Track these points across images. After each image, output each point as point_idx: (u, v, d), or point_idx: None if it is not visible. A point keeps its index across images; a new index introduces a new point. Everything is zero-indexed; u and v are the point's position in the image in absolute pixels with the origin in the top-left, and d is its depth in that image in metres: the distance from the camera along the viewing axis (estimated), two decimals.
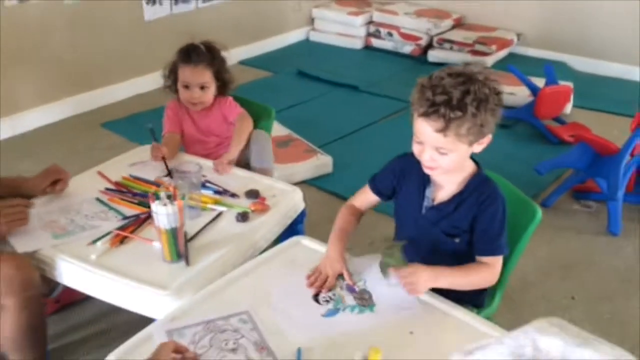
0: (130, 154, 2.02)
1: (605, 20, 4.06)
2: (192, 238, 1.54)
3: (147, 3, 3.72)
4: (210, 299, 1.31)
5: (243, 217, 1.64)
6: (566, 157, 2.66)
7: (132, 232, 1.56)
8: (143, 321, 1.30)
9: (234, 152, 1.97)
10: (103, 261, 1.46)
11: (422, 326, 1.25)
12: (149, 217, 1.60)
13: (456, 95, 1.20)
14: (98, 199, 1.72)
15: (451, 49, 4.33)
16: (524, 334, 0.63)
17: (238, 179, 1.85)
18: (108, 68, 3.62)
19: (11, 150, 3.08)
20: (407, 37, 4.50)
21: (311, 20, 4.90)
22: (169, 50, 2.11)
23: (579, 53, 4.21)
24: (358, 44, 4.70)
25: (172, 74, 2.09)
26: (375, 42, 4.66)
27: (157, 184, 1.77)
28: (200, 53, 2.03)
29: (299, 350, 1.17)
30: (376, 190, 1.50)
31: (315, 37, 4.87)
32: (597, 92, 3.87)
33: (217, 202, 1.70)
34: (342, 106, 3.69)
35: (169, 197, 1.41)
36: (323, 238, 1.48)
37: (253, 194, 1.75)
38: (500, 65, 4.10)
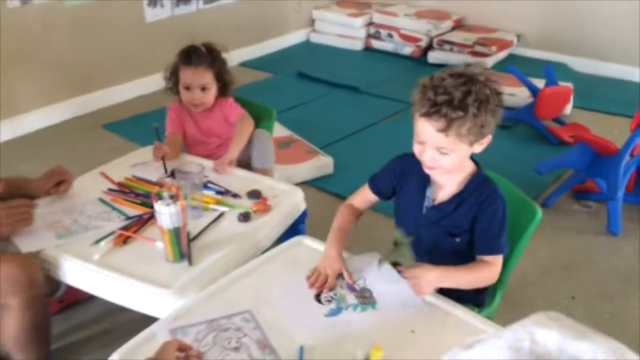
0: (132, 155, 2.03)
1: (604, 21, 4.07)
2: (195, 238, 1.55)
3: (148, 5, 3.73)
4: (213, 298, 1.32)
5: (245, 217, 1.65)
6: (566, 157, 2.67)
7: (135, 232, 1.57)
8: (146, 320, 1.30)
9: (234, 152, 1.98)
10: (106, 261, 1.47)
11: (423, 325, 1.26)
12: (151, 217, 1.61)
13: (457, 96, 1.22)
14: (101, 200, 1.73)
15: (451, 50, 4.34)
16: (522, 328, 0.64)
17: (240, 180, 1.86)
18: (109, 69, 3.64)
19: (13, 151, 3.09)
20: (407, 38, 4.51)
21: (311, 22, 4.91)
22: (170, 52, 2.12)
23: (579, 54, 4.22)
24: (358, 46, 4.71)
25: (173, 76, 2.10)
26: (376, 44, 4.68)
27: (159, 185, 1.78)
28: (201, 55, 2.04)
29: (301, 349, 1.18)
30: (376, 190, 1.51)
31: (315, 38, 4.88)
32: (596, 92, 3.88)
33: (219, 203, 1.72)
34: (342, 107, 3.70)
35: (171, 197, 1.42)
36: (324, 238, 1.49)
37: (255, 195, 1.76)
38: (500, 66, 4.12)
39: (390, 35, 4.60)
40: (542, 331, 0.60)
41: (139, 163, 1.94)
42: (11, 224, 1.50)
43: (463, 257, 1.39)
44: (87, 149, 3.10)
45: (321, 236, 1.54)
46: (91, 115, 3.52)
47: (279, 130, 2.93)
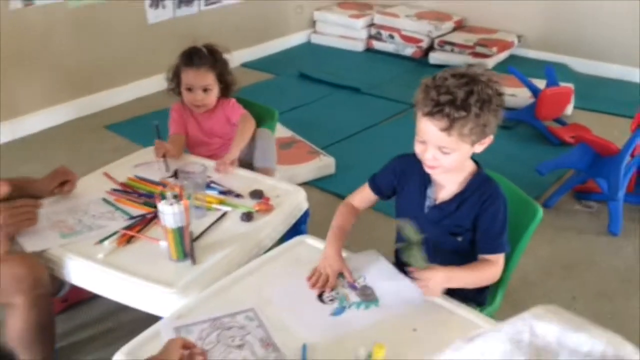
0: (135, 155, 2.04)
1: (605, 22, 4.08)
2: (198, 237, 1.56)
3: (150, 6, 3.75)
4: (216, 297, 1.33)
5: (248, 216, 1.66)
6: (567, 157, 2.68)
7: (138, 231, 1.59)
8: (149, 320, 1.31)
9: (235, 152, 1.99)
10: (110, 260, 1.48)
11: (426, 323, 1.27)
12: (154, 217, 1.62)
13: (460, 96, 1.23)
14: (105, 200, 1.75)
15: (452, 51, 4.35)
16: (521, 321, 0.65)
17: (242, 180, 1.87)
18: (111, 71, 3.65)
19: (16, 152, 3.11)
20: (408, 39, 4.52)
21: (313, 23, 4.93)
22: (172, 53, 2.13)
23: (580, 55, 4.23)
24: (359, 47, 4.72)
25: (175, 77, 2.11)
26: (377, 45, 4.69)
27: (162, 185, 1.79)
28: (203, 56, 2.05)
29: (304, 347, 1.19)
30: (376, 190, 1.52)
31: (316, 39, 4.89)
32: (597, 93, 3.89)
33: (222, 202, 1.73)
34: (344, 108, 3.71)
35: (175, 197, 1.43)
36: (326, 238, 1.50)
37: (257, 194, 1.77)
38: (501, 67, 4.13)
39: (391, 36, 4.61)
40: (541, 324, 0.62)
41: (142, 163, 1.95)
42: (16, 224, 1.50)
43: (465, 256, 1.40)
44: (90, 150, 3.11)
45: (323, 236, 1.54)
46: (93, 116, 3.54)
47: (281, 131, 2.94)
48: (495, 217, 1.36)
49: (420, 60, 4.44)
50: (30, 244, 1.52)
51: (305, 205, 1.83)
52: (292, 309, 1.30)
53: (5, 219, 1.43)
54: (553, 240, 2.44)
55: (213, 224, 1.63)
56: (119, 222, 1.63)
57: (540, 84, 3.37)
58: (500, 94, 1.29)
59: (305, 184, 2.69)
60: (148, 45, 3.74)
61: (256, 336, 1.22)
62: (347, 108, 3.71)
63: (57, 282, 1.75)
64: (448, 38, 4.41)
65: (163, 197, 1.43)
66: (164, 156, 1.91)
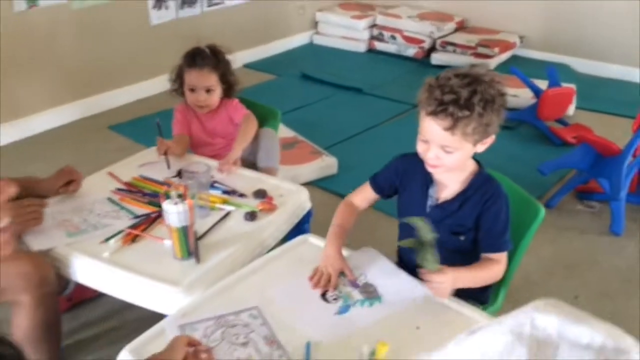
0: (139, 155, 2.06)
1: (607, 22, 4.09)
2: (202, 236, 1.57)
3: (153, 7, 3.77)
4: (220, 295, 1.34)
5: (251, 216, 1.67)
6: (569, 157, 2.69)
7: (143, 230, 1.60)
8: (153, 318, 1.32)
9: (238, 151, 1.99)
10: (116, 259, 1.49)
11: (428, 321, 1.27)
12: (159, 216, 1.63)
13: (464, 95, 1.24)
14: (109, 199, 1.76)
15: (454, 51, 4.36)
16: (522, 314, 0.66)
17: (245, 179, 1.89)
18: (115, 71, 3.67)
19: (21, 152, 3.13)
20: (411, 40, 4.53)
21: (315, 24, 4.94)
22: (174, 54, 2.15)
23: (582, 55, 4.24)
24: (361, 47, 4.74)
25: (178, 78, 2.13)
26: (379, 45, 4.70)
27: (167, 184, 1.81)
28: (206, 57, 2.06)
29: (308, 345, 1.20)
30: (377, 189, 1.53)
31: (319, 40, 4.91)
32: (599, 93, 3.89)
33: (225, 202, 1.74)
34: (346, 108, 3.72)
35: (179, 196, 1.44)
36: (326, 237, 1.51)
37: (260, 194, 1.78)
38: (503, 67, 4.13)
39: (393, 37, 4.62)
40: (542, 316, 0.63)
41: (146, 163, 1.96)
42: (22, 223, 1.52)
43: (467, 255, 1.41)
44: (94, 150, 3.13)
45: (326, 235, 1.55)
46: (97, 117, 3.56)
47: (284, 131, 2.95)
48: (498, 216, 1.37)
49: (422, 61, 4.45)
50: (37, 242, 1.54)
51: (308, 205, 1.84)
52: (296, 308, 1.31)
53: (12, 219, 1.44)
54: (555, 240, 2.45)
55: (217, 223, 1.64)
56: (124, 221, 1.64)
57: (542, 84, 3.38)
58: (502, 94, 1.30)
59: (307, 184, 2.70)
60: (151, 46, 3.76)
61: (260, 334, 1.23)
62: (349, 108, 3.72)
63: (62, 281, 1.76)
64: (450, 39, 4.42)
65: (167, 196, 1.45)
66: (165, 153, 1.92)
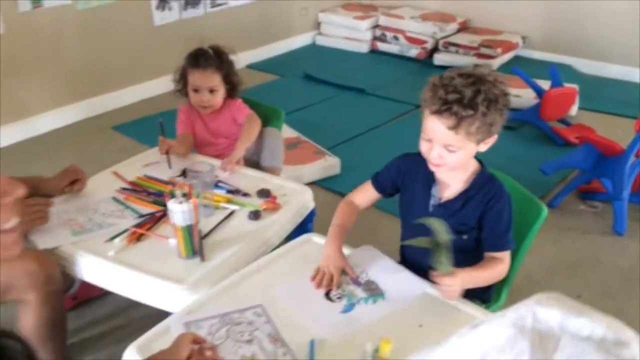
0: (143, 155, 2.07)
1: (609, 23, 4.09)
2: (206, 235, 1.58)
3: (157, 8, 3.78)
4: (225, 293, 1.35)
5: (255, 215, 1.68)
6: (571, 157, 2.69)
7: (148, 229, 1.61)
8: (158, 316, 1.33)
9: (241, 150, 2.00)
10: (121, 257, 1.50)
11: (431, 319, 1.28)
12: (163, 215, 1.64)
13: (468, 95, 1.25)
14: (114, 198, 1.77)
15: (457, 52, 4.37)
16: (524, 307, 0.67)
17: (249, 179, 1.90)
18: (118, 72, 3.68)
19: (24, 152, 3.14)
20: (413, 40, 4.54)
21: (317, 25, 4.95)
22: (178, 55, 2.16)
23: (584, 56, 4.24)
24: (364, 48, 4.74)
25: (182, 78, 2.14)
26: (382, 46, 4.71)
27: (171, 184, 1.82)
28: (209, 57, 2.07)
29: (311, 342, 1.20)
30: (379, 188, 1.53)
31: (321, 41, 4.92)
32: (601, 94, 3.89)
33: (229, 201, 1.75)
34: (349, 109, 3.73)
35: (184, 195, 1.45)
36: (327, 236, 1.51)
37: (264, 193, 1.79)
38: (506, 68, 4.14)
39: (396, 38, 4.63)
40: (543, 310, 0.64)
41: (151, 163, 1.97)
42: (28, 222, 1.53)
43: (470, 254, 1.41)
44: (97, 150, 3.15)
45: None
46: (101, 117, 3.57)
47: (287, 132, 2.96)
48: (501, 215, 1.38)
49: (425, 62, 4.46)
50: (42, 241, 1.55)
51: (311, 204, 1.84)
52: (301, 307, 1.32)
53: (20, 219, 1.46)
54: (558, 240, 2.46)
55: (221, 222, 1.65)
56: (129, 221, 1.65)
57: (545, 84, 3.38)
58: (506, 94, 1.31)
59: (310, 184, 2.71)
60: (154, 46, 3.77)
61: (264, 332, 1.24)
62: (352, 109, 3.73)
63: (68, 280, 1.77)
64: (453, 39, 4.43)
65: (172, 195, 1.46)
66: (167, 153, 1.93)
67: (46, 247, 1.54)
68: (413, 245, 1.33)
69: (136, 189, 1.83)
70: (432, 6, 4.82)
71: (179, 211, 1.44)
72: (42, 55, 3.30)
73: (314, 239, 1.57)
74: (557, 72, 3.36)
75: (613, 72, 4.15)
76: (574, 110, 3.47)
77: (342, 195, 2.65)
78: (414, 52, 4.54)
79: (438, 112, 1.27)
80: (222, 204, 1.73)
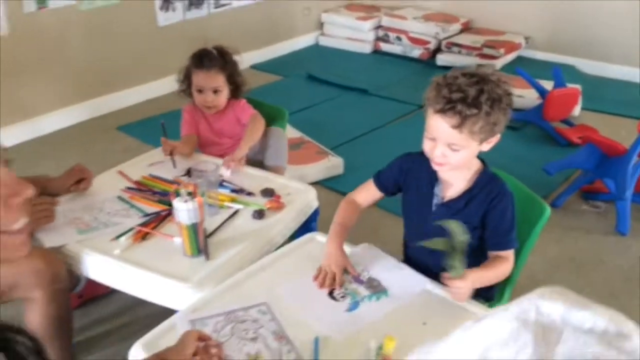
0: (148, 154, 2.08)
1: (612, 23, 4.09)
2: (211, 234, 1.59)
3: (161, 9, 3.80)
4: (230, 292, 1.36)
5: (259, 214, 1.69)
6: (574, 157, 2.70)
7: (153, 228, 1.62)
8: (163, 315, 1.34)
9: (244, 149, 2.01)
10: (127, 256, 1.52)
11: (435, 317, 1.29)
12: (168, 214, 1.66)
13: (472, 94, 1.26)
14: (120, 197, 1.78)
15: (459, 52, 4.37)
16: (527, 301, 0.68)
17: (253, 178, 1.91)
18: (123, 72, 3.70)
19: (29, 152, 3.16)
20: (416, 41, 4.55)
21: (320, 25, 4.96)
22: (182, 55, 2.17)
23: (587, 56, 4.24)
24: (367, 49, 4.75)
25: (186, 79, 2.15)
26: (384, 47, 4.72)
27: (176, 183, 1.83)
28: (213, 58, 2.08)
29: (316, 340, 1.21)
30: (382, 187, 1.54)
31: (324, 41, 4.93)
32: (604, 94, 3.89)
33: (234, 200, 1.76)
34: (352, 109, 3.74)
35: (189, 194, 1.47)
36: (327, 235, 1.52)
37: (268, 193, 1.80)
38: (509, 68, 4.14)
39: (398, 38, 4.63)
40: (546, 303, 0.65)
41: (155, 162, 1.99)
42: (34, 221, 1.54)
43: (473, 252, 1.41)
44: (101, 150, 3.16)
45: None
46: (105, 117, 3.59)
47: (290, 132, 2.97)
48: (504, 214, 1.39)
49: (428, 62, 4.46)
50: (49, 239, 1.56)
51: (315, 204, 1.85)
52: (305, 306, 1.32)
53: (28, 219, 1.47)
54: (561, 240, 2.46)
55: (226, 221, 1.66)
56: (134, 219, 1.66)
57: (548, 85, 3.39)
58: (509, 94, 1.32)
59: (314, 184, 2.71)
60: (158, 47, 3.79)
61: (269, 329, 1.25)
62: (355, 109, 3.74)
63: (73, 279, 1.78)
64: (455, 40, 4.43)
65: (178, 194, 1.47)
66: (171, 154, 1.94)
67: (52, 246, 1.55)
68: (429, 247, 1.31)
69: (141, 188, 1.84)
70: (435, 7, 4.82)
71: (184, 209, 1.45)
72: (47, 55, 3.32)
73: (318, 238, 1.58)
74: (560, 73, 3.37)
75: (616, 73, 4.14)
76: (576, 110, 3.48)
77: (346, 195, 2.69)
78: (416, 52, 4.54)
79: (442, 111, 1.28)
80: (226, 203, 1.74)
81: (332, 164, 2.90)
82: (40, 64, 3.30)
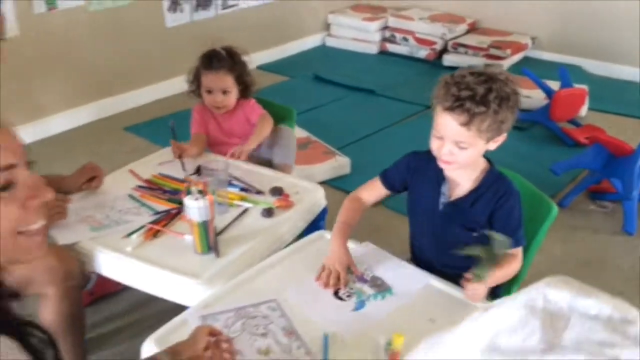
0: (158, 154, 2.10)
1: (619, 24, 4.08)
2: (221, 232, 1.61)
3: (169, 10, 3.82)
4: (240, 288, 1.38)
5: (268, 212, 1.70)
6: (581, 157, 2.70)
7: (164, 226, 1.64)
8: (173, 311, 1.35)
9: (251, 145, 2.03)
10: (138, 253, 1.54)
11: (442, 314, 1.30)
12: (179, 212, 1.68)
13: (480, 92, 1.27)
14: (130, 196, 1.80)
15: (466, 53, 4.38)
16: (535, 289, 0.70)
17: (262, 177, 1.92)
18: (130, 73, 3.73)
19: (39, 153, 3.16)
20: (422, 41, 4.56)
21: (327, 26, 4.98)
22: (189, 56, 2.18)
23: (593, 56, 4.24)
24: (373, 49, 4.77)
25: (195, 79, 2.17)
26: (391, 47, 4.73)
27: (186, 181, 1.85)
28: (222, 59, 2.10)
29: (325, 337, 1.23)
30: (388, 185, 1.55)
31: (331, 42, 4.94)
32: (611, 94, 3.89)
33: (243, 199, 1.78)
34: (358, 110, 3.76)
35: (200, 192, 1.49)
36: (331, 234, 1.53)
37: (277, 191, 1.82)
38: (515, 68, 4.14)
39: (405, 39, 4.65)
40: (553, 291, 0.66)
41: (165, 161, 2.01)
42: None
43: None
44: (109, 151, 3.18)
45: None
46: (113, 118, 3.61)
47: (297, 132, 2.97)
48: (511, 213, 1.40)
49: (434, 63, 4.47)
50: (62, 237, 1.58)
51: (323, 202, 1.87)
52: (312, 307, 1.33)
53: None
54: (568, 240, 2.46)
55: (235, 219, 1.68)
56: (145, 217, 1.68)
57: (555, 85, 3.39)
58: (516, 93, 1.33)
59: (321, 184, 2.73)
60: (166, 48, 3.81)
61: (279, 325, 1.27)
62: (361, 110, 3.75)
63: (85, 276, 1.81)
64: (462, 40, 4.44)
65: (189, 192, 1.49)
66: (180, 157, 1.96)
67: (66, 243, 1.57)
68: (468, 254, 1.29)
69: (151, 186, 1.86)
70: (442, 7, 4.83)
71: (195, 207, 1.47)
72: (56, 56, 3.34)
73: (326, 236, 1.60)
74: (567, 73, 3.37)
75: (622, 73, 4.14)
76: (583, 110, 3.48)
77: None
78: (423, 53, 4.55)
79: (450, 109, 1.29)
80: (236, 202, 1.76)
81: (339, 164, 2.91)
82: (49, 64, 3.33)
